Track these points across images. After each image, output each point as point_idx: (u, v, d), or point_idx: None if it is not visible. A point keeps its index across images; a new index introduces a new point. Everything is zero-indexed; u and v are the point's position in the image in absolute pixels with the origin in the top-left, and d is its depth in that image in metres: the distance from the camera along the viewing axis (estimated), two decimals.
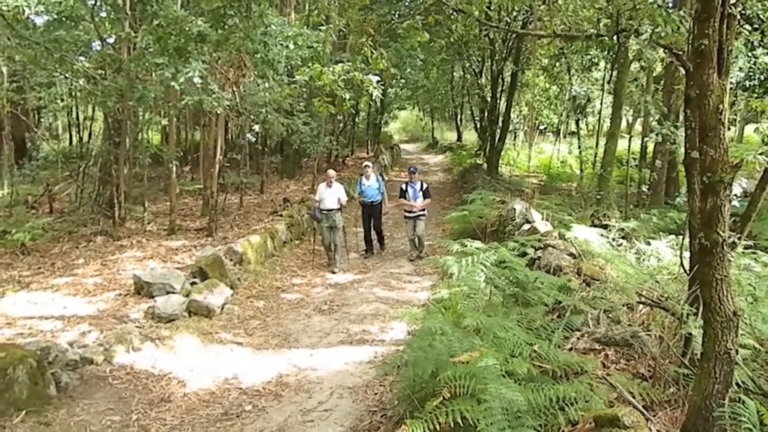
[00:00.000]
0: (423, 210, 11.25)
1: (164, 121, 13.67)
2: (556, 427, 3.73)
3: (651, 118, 12.33)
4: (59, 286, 8.59)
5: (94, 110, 16.97)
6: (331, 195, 10.63)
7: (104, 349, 6.32)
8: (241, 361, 6.77)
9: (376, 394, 6.01)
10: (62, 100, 15.72)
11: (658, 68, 16.85)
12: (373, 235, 11.84)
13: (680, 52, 4.13)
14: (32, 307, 7.74)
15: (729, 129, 3.60)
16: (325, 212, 10.64)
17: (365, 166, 11.69)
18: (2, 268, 9.37)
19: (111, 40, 11.49)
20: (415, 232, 11.20)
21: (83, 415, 5.33)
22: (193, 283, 8.36)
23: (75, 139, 19.46)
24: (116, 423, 5.29)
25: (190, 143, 19.14)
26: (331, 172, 11.06)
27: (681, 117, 13.08)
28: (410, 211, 11.19)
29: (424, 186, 11.39)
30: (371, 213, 11.61)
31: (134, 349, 6.57)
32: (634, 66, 16.87)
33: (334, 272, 10.47)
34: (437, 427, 3.50)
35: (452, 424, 3.52)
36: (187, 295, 7.94)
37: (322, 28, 9.44)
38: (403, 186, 11.42)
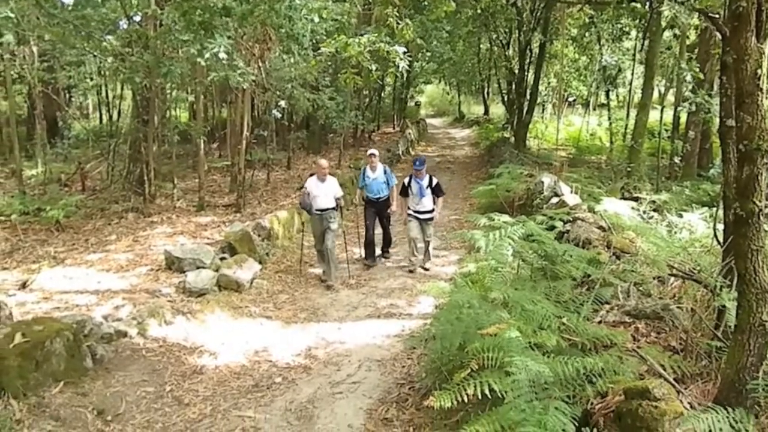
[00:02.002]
0: (431, 210, 9.16)
1: (191, 98, 13.76)
2: (584, 399, 3.72)
3: (685, 87, 12.01)
4: (93, 261, 8.78)
5: (122, 89, 17.15)
6: (325, 191, 8.65)
7: (137, 323, 6.46)
8: (271, 335, 6.87)
9: (404, 366, 6.06)
10: (91, 79, 15.91)
11: (692, 36, 16.36)
12: (377, 239, 9.79)
13: (716, 16, 3.99)
14: (68, 281, 7.93)
15: (766, 99, 3.48)
16: (318, 213, 8.62)
17: (370, 154, 9.72)
18: (38, 244, 9.62)
19: (137, 18, 11.56)
20: (423, 238, 9.18)
21: (119, 386, 5.47)
22: (222, 258, 8.47)
23: (105, 118, 19.73)
24: (150, 394, 5.43)
25: (217, 120, 19.26)
26: (323, 162, 8.95)
27: (715, 87, 12.74)
28: (416, 210, 9.09)
29: (434, 181, 9.17)
30: (378, 211, 9.58)
31: (166, 323, 6.70)
32: (667, 34, 16.39)
33: (329, 287, 8.50)
34: (465, 398, 3.51)
35: (480, 396, 3.52)
36: (216, 270, 8.05)
37: None
38: (406, 180, 9.24)
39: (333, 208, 8.69)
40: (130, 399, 5.31)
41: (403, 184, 9.24)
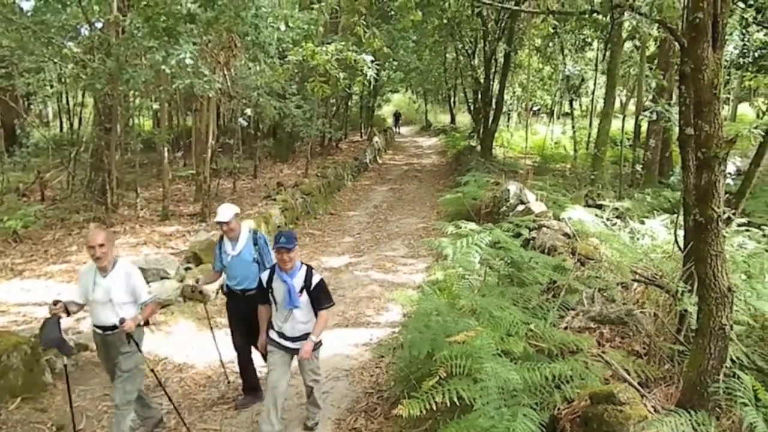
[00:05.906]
0: (307, 334, 4.69)
1: (155, 106, 13.55)
2: (552, 405, 3.75)
3: (646, 96, 12.27)
4: (53, 273, 8.54)
5: (84, 96, 16.81)
6: (108, 292, 4.38)
7: None
8: None
9: (372, 375, 6.03)
10: (51, 86, 15.55)
11: (652, 47, 16.81)
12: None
13: (675, 27, 4.10)
14: (26, 294, 7.70)
15: (722, 108, 3.59)
16: (99, 333, 4.53)
17: (217, 223, 5.46)
18: None
19: (99, 25, 11.36)
20: (303, 380, 5.01)
21: (79, 401, 5.32)
22: (187, 269, 8.32)
23: (66, 126, 19.29)
24: (112, 408, 5.27)
25: (182, 128, 19.00)
26: (98, 237, 4.30)
27: (675, 96, 13.09)
28: (281, 333, 4.78)
29: (315, 280, 4.71)
30: (246, 314, 5.25)
31: None
32: (628, 45, 16.82)
33: None
34: (434, 406, 3.50)
35: (449, 403, 3.52)
36: (181, 281, 7.91)
37: (315, 7, 9.32)
38: (264, 276, 4.83)
39: (121, 329, 4.34)
40: (91, 414, 5.17)
41: (259, 281, 4.92)
